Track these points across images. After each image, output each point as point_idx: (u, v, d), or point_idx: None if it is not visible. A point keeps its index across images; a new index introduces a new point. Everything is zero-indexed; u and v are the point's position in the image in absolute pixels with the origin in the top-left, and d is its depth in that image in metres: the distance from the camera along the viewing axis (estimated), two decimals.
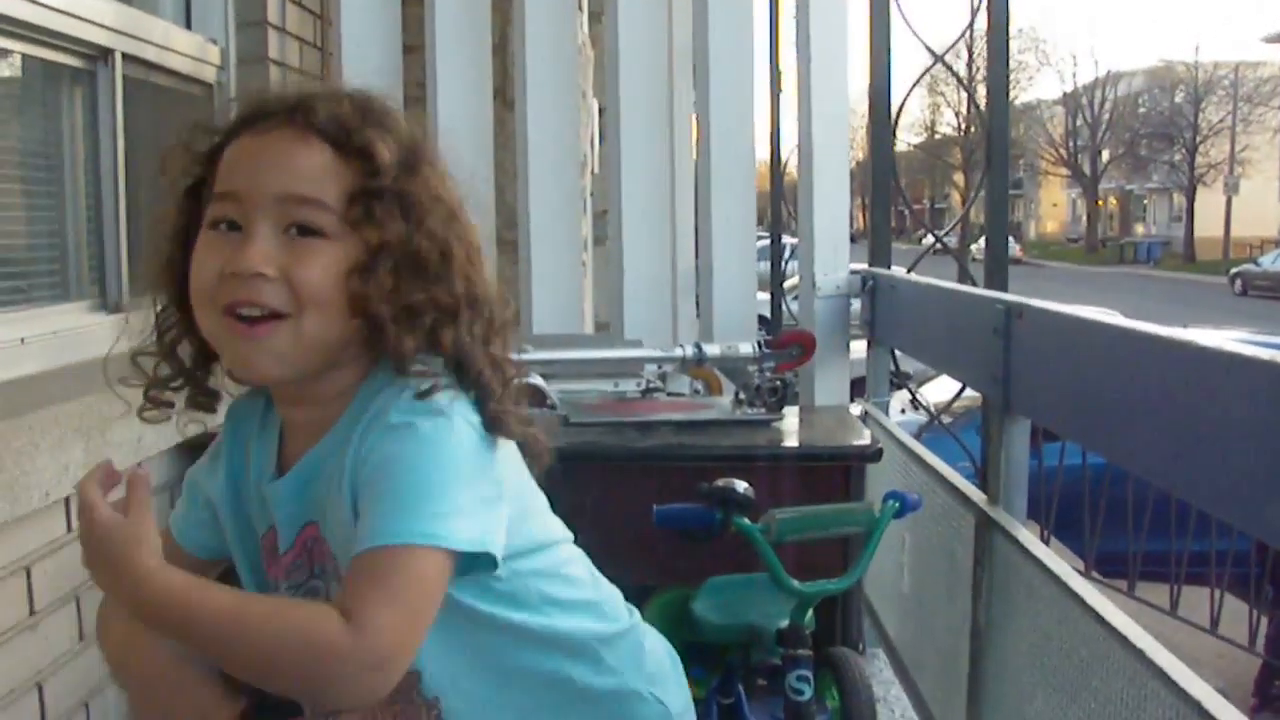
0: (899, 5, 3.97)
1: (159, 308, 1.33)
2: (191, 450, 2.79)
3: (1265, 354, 1.42)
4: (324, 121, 1.25)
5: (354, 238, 1.23)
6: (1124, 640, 1.77)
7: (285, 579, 1.33)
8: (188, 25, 3.30)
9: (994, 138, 3.44)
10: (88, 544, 1.19)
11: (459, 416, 1.23)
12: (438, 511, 1.16)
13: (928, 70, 4.74)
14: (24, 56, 2.58)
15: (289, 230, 1.22)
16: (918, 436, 3.85)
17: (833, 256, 3.90)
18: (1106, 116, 51.54)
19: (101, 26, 2.75)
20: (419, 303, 1.24)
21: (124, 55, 2.85)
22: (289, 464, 1.32)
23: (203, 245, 1.25)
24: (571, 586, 1.39)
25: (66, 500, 2.25)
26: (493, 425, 1.26)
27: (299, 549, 1.31)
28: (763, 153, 6.05)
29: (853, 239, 4.30)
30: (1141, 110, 51.98)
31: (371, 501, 1.18)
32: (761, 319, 4.94)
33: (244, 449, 1.39)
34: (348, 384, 1.29)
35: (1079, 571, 6.15)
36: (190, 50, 3.23)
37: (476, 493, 1.21)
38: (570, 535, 1.43)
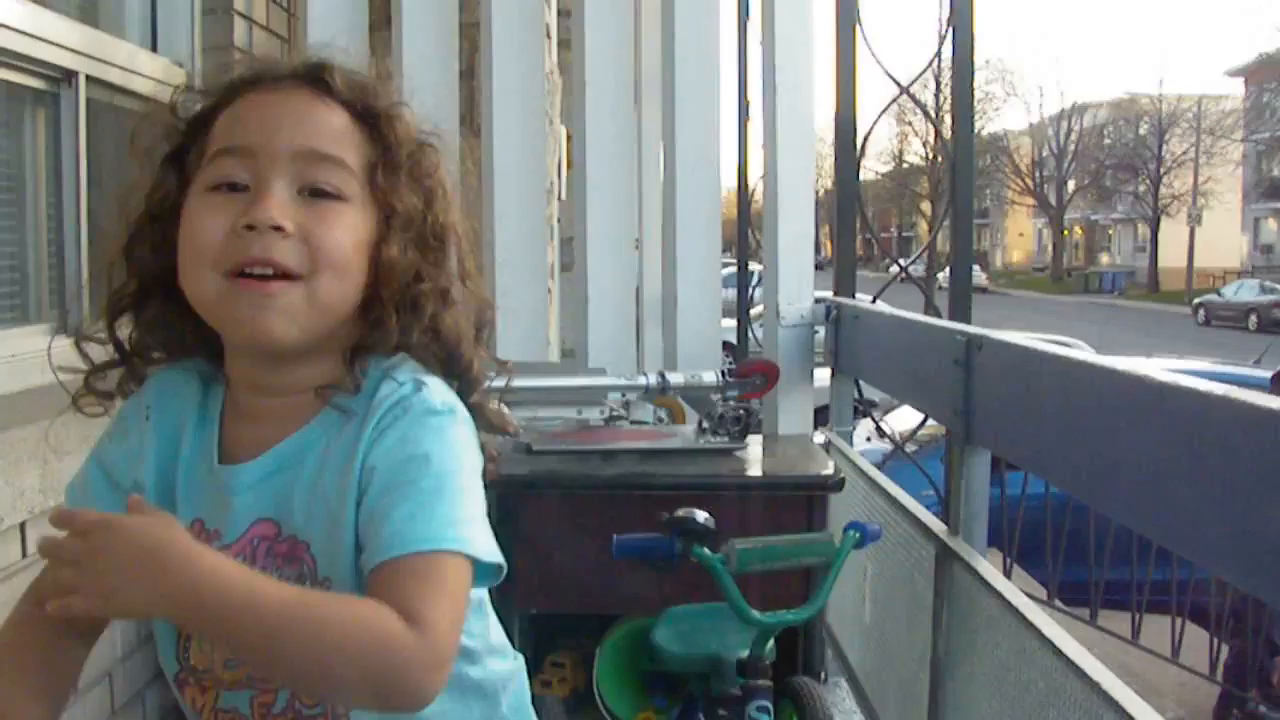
0: (864, 37, 4.01)
1: (113, 288, 1.25)
2: None
3: (1220, 389, 1.44)
4: (342, 87, 1.20)
5: (371, 206, 1.19)
6: (1080, 672, 1.78)
7: None
8: (154, 48, 3.29)
9: (959, 170, 3.47)
10: (117, 561, 1.01)
11: (462, 413, 1.21)
12: (462, 518, 1.13)
13: (893, 101, 4.77)
14: None
15: (303, 191, 1.16)
16: (882, 464, 3.86)
17: (797, 286, 3.91)
18: (1072, 147, 52.02)
19: (66, 49, 2.73)
20: (424, 287, 1.20)
21: (88, 78, 2.84)
22: (236, 451, 1.22)
23: (200, 207, 1.16)
24: (486, 620, 1.33)
25: (22, 525, 2.23)
26: (474, 417, 1.23)
27: (243, 545, 1.19)
28: (730, 181, 6.08)
29: (820, 267, 4.32)
30: (1106, 141, 52.48)
31: (400, 502, 1.12)
32: (728, 346, 4.95)
33: (176, 428, 1.26)
34: (327, 372, 1.20)
35: (1041, 600, 6.17)
36: (156, 73, 3.22)
37: (479, 497, 1.18)
38: None
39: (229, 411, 1.25)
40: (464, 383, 1.25)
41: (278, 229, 1.13)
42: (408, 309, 1.20)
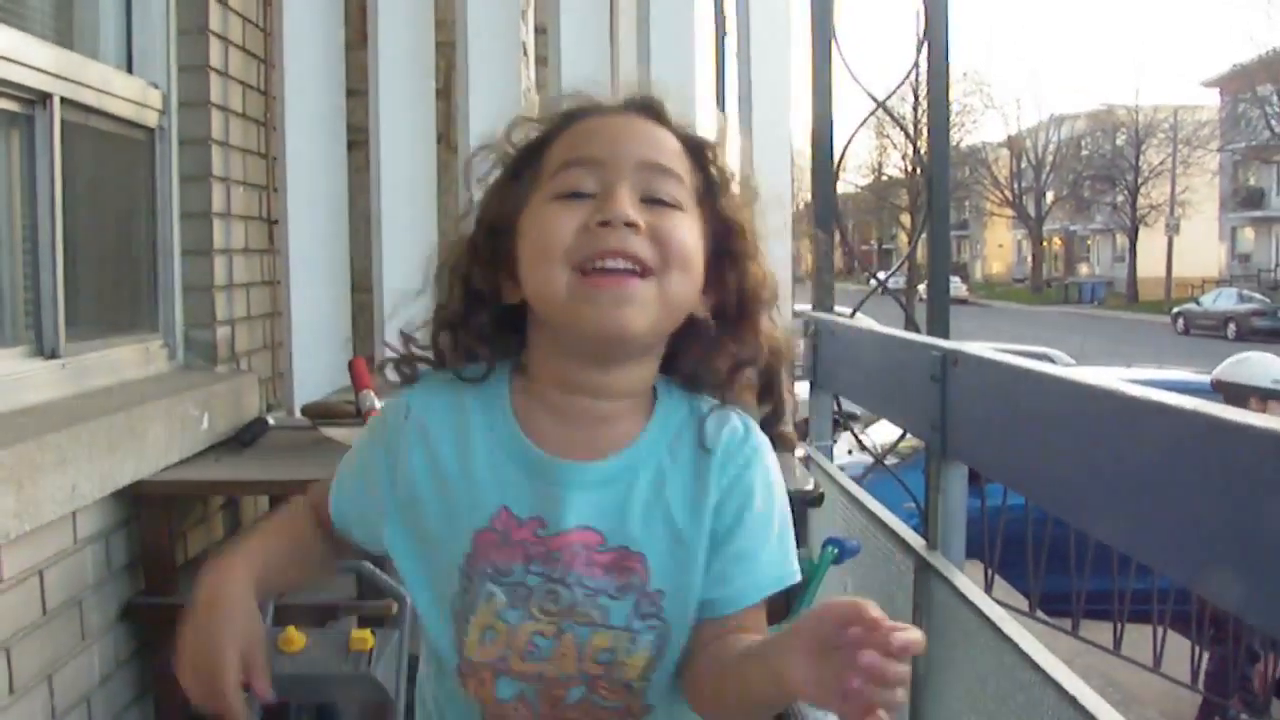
0: (840, 51, 4.02)
1: (438, 304, 1.33)
2: (130, 500, 2.76)
3: (1192, 403, 1.44)
4: (672, 119, 1.30)
5: (702, 220, 1.27)
6: (1057, 686, 1.79)
7: (525, 562, 1.26)
8: (129, 69, 3.29)
9: (935, 186, 3.49)
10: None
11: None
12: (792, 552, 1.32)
13: (870, 115, 4.78)
14: None
15: (645, 201, 1.23)
16: (862, 478, 3.87)
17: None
18: (1050, 159, 52.31)
19: (39, 70, 2.73)
20: (753, 308, 1.31)
21: (63, 99, 2.83)
22: (552, 446, 1.27)
23: (549, 211, 1.23)
24: None
25: None
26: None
27: (565, 542, 1.25)
28: None
29: (800, 280, 4.32)
30: (1084, 153, 52.78)
31: (762, 546, 1.28)
32: None
33: (454, 433, 1.29)
34: (646, 381, 1.30)
35: (1023, 611, 6.18)
36: (131, 94, 3.22)
37: None
38: None
39: (526, 408, 1.30)
40: (775, 412, 1.37)
41: (631, 225, 1.20)
42: (735, 329, 1.31)
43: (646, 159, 1.24)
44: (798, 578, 1.30)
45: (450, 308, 1.31)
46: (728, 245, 1.30)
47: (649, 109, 1.30)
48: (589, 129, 1.28)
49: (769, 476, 1.31)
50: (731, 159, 1.35)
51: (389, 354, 1.36)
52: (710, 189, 1.30)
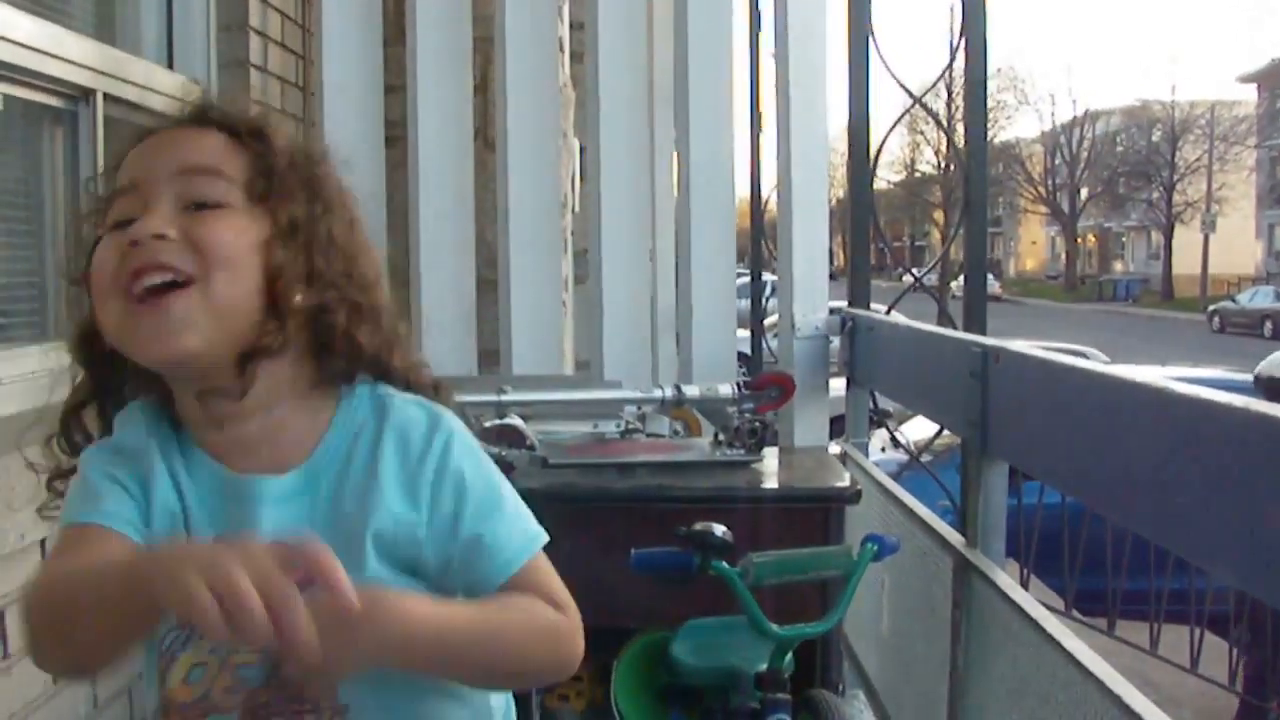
0: (877, 46, 4.00)
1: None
2: None
3: (1239, 401, 1.43)
4: (217, 115, 1.26)
5: (260, 211, 1.20)
6: (1100, 685, 1.78)
7: None
8: (170, 65, 3.32)
9: (972, 180, 3.47)
10: (329, 631, 0.99)
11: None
12: (526, 512, 1.31)
13: (906, 112, 4.77)
14: (4, 97, 2.58)
15: (188, 208, 1.18)
16: (898, 476, 3.86)
17: (812, 297, 3.92)
18: (1085, 155, 51.92)
19: (84, 67, 2.75)
20: (332, 296, 1.22)
21: (105, 95, 2.86)
22: (235, 463, 1.23)
23: (101, 247, 1.19)
24: None
25: (42, 542, 2.24)
26: None
27: None
28: (743, 190, 6.09)
29: (833, 276, 4.32)
30: (1119, 149, 52.39)
31: (496, 524, 1.25)
32: (742, 356, 4.95)
33: (168, 468, 1.23)
34: (282, 387, 1.22)
35: (1058, 610, 6.14)
36: (172, 90, 3.23)
37: None
38: None
39: (217, 444, 1.24)
40: (417, 389, 1.31)
41: (160, 237, 1.15)
42: (317, 318, 1.22)
43: (181, 164, 1.20)
44: (538, 543, 1.28)
45: (80, 392, 1.29)
46: (296, 234, 1.23)
47: (197, 116, 1.26)
48: (131, 157, 1.24)
49: (469, 461, 1.26)
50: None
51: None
52: (265, 177, 1.23)
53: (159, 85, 3.16)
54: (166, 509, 1.21)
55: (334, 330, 1.23)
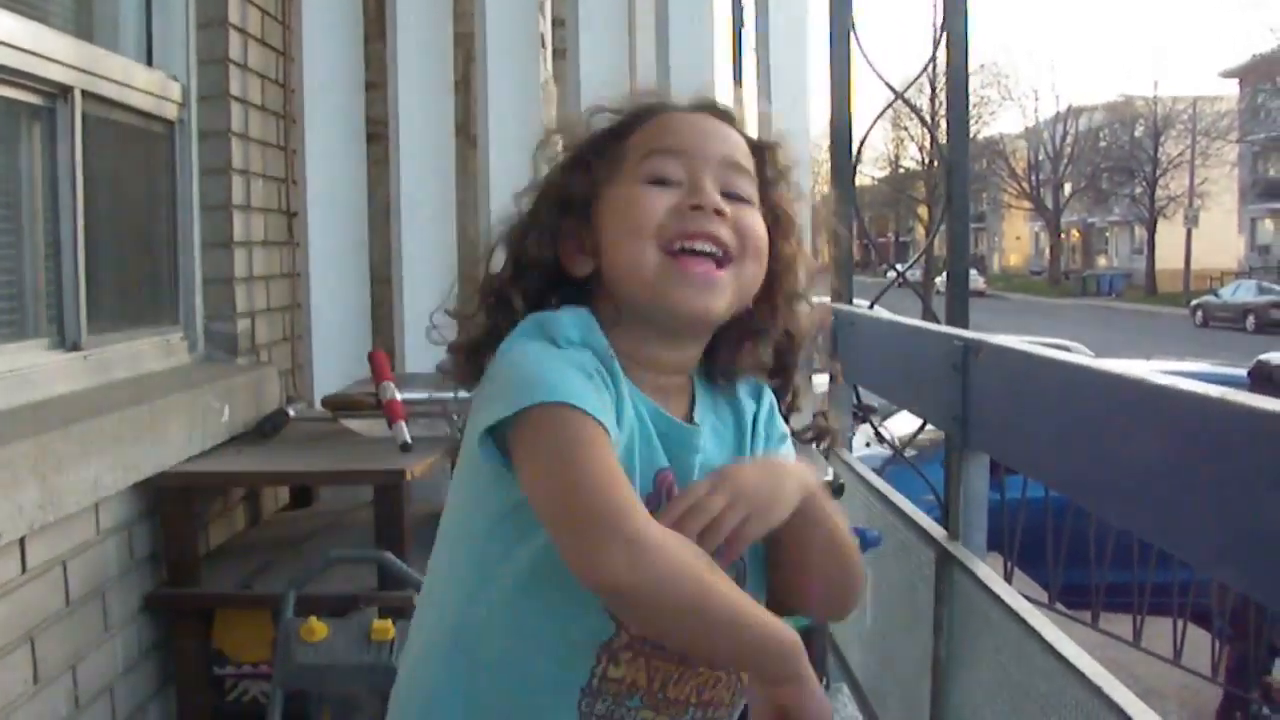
0: (859, 42, 4.00)
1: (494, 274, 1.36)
2: (152, 492, 2.77)
3: (1216, 391, 1.44)
4: (738, 122, 1.40)
5: (761, 214, 1.35)
6: (1082, 676, 1.78)
7: None
8: (149, 62, 3.30)
9: (954, 176, 3.47)
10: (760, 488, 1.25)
11: None
12: None
13: (888, 107, 4.76)
14: None
15: (722, 194, 1.31)
16: (882, 470, 3.86)
17: None
18: (1068, 150, 52.05)
19: (61, 64, 2.74)
20: (799, 290, 1.40)
21: (84, 92, 2.84)
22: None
23: (639, 193, 1.30)
24: None
25: (21, 541, 2.23)
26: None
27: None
28: None
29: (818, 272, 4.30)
30: (1102, 144, 52.53)
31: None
32: None
33: (613, 377, 1.27)
34: (696, 357, 1.37)
35: (1042, 604, 6.15)
36: (151, 87, 3.22)
37: None
38: None
39: (630, 367, 1.31)
40: (784, 386, 1.45)
41: (719, 213, 1.29)
42: (780, 311, 1.39)
43: (727, 156, 1.33)
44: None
45: (501, 275, 1.36)
46: (776, 241, 1.37)
47: (721, 112, 1.39)
48: (672, 123, 1.35)
49: (778, 414, 1.44)
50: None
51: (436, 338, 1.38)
52: (766, 187, 1.38)
53: (138, 82, 3.15)
54: (629, 428, 1.26)
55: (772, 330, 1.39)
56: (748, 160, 1.36)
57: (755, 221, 1.32)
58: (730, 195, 1.31)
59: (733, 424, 1.39)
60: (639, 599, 1.10)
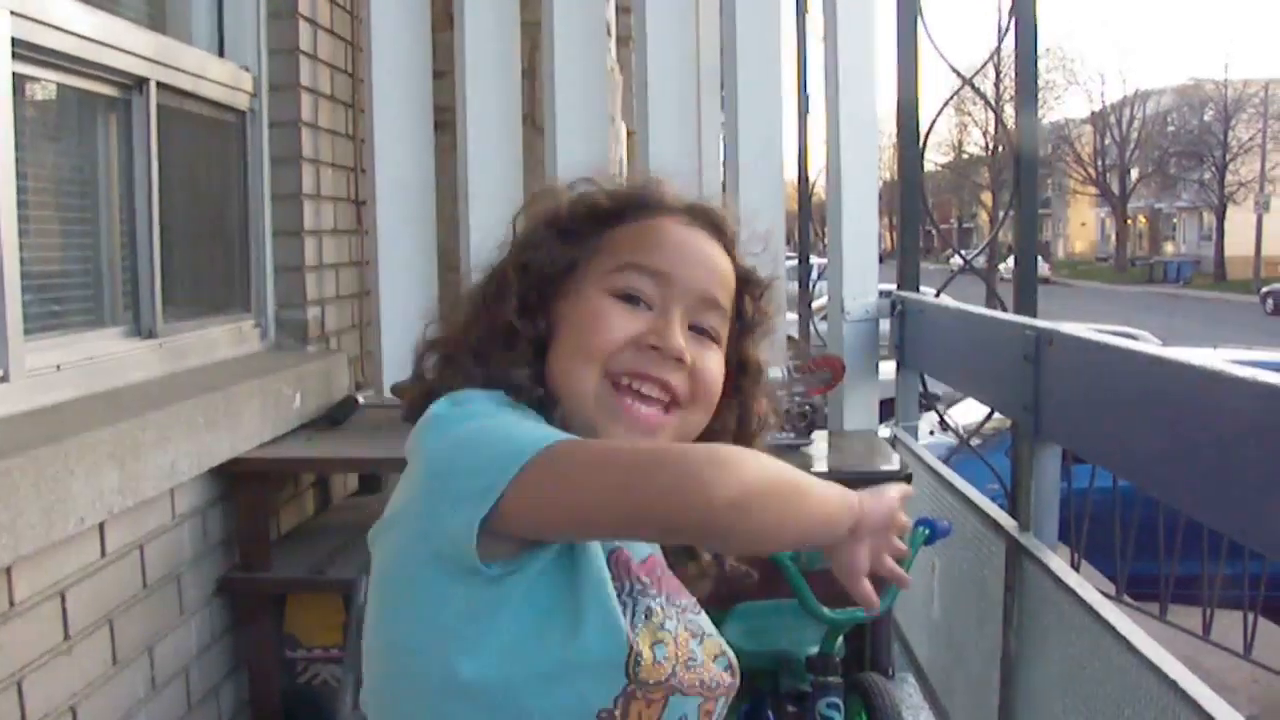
0: (926, 28, 3.97)
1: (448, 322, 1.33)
2: (226, 477, 2.81)
3: None
4: (730, 241, 1.31)
5: (723, 351, 1.28)
6: (1156, 670, 1.77)
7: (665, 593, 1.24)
8: (221, 53, 3.34)
9: (1023, 163, 3.44)
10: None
11: None
12: None
13: (955, 93, 4.73)
14: (60, 86, 2.61)
15: (691, 327, 1.24)
16: (947, 459, 3.84)
17: (862, 280, 3.91)
18: (1135, 135, 51.26)
19: (137, 56, 2.78)
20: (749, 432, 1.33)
21: (159, 84, 2.89)
22: None
23: (605, 308, 1.23)
24: None
25: (100, 525, 2.28)
26: None
27: (653, 564, 1.25)
28: (791, 173, 6.06)
29: (881, 258, 4.30)
30: (1170, 128, 51.68)
31: None
32: (789, 340, 4.94)
33: None
34: None
35: (1110, 595, 6.07)
36: (224, 78, 3.26)
37: None
38: None
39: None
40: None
41: (679, 359, 1.21)
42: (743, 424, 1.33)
43: (705, 291, 1.25)
44: None
45: (475, 335, 1.28)
46: (740, 380, 1.32)
47: (714, 225, 1.30)
48: (658, 235, 1.27)
49: None
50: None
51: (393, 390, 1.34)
52: (741, 324, 1.32)
53: (210, 73, 3.19)
54: None
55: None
56: (727, 292, 1.28)
57: (714, 367, 1.25)
58: (698, 329, 1.25)
59: None
60: (752, 498, 1.05)
